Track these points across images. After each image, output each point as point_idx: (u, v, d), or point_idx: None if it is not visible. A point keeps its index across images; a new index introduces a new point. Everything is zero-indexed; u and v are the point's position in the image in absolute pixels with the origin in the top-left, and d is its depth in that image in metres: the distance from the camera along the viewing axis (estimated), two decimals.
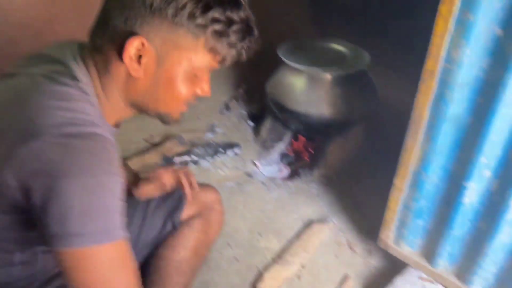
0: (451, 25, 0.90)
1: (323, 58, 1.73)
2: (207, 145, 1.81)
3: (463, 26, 0.88)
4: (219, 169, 1.75)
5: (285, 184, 1.71)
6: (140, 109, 0.75)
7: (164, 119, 0.77)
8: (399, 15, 2.05)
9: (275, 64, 1.84)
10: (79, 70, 0.69)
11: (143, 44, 0.65)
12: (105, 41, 0.68)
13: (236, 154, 1.80)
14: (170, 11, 0.63)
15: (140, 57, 0.66)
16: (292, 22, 2.42)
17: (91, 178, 0.60)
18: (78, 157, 0.60)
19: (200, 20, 0.64)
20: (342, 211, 1.59)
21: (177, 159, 1.72)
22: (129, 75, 0.68)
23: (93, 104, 0.69)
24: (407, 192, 1.19)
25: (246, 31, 0.68)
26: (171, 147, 1.77)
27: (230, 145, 1.81)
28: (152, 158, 1.69)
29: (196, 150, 1.76)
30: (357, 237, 1.49)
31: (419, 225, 1.22)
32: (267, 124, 1.93)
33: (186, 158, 1.73)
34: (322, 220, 1.54)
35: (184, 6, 0.63)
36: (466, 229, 1.11)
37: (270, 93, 1.80)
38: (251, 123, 2.04)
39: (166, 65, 0.68)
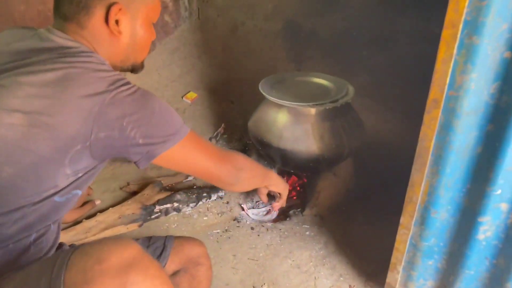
0: (455, 50, 0.84)
1: (306, 92, 1.68)
2: (189, 190, 1.69)
3: (468, 51, 0.83)
4: (203, 215, 1.63)
5: (276, 227, 1.60)
6: (119, 65, 0.94)
7: (136, 68, 0.98)
8: (379, 45, 2.03)
9: (255, 101, 1.78)
10: (80, 46, 0.84)
11: (120, 9, 0.85)
12: (80, 15, 0.85)
13: (220, 197, 1.69)
14: None
15: (117, 20, 0.86)
16: (270, 58, 2.39)
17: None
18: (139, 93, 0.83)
19: None
20: (339, 253, 1.49)
21: (158, 208, 1.59)
22: (111, 36, 0.88)
23: (108, 65, 0.86)
24: (415, 231, 1.11)
25: None
26: (151, 195, 1.64)
27: (214, 188, 1.70)
28: (131, 208, 1.56)
29: (178, 196, 1.64)
30: (359, 282, 1.39)
31: (430, 265, 1.13)
32: None
33: (167, 205, 1.60)
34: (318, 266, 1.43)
35: None
36: (483, 267, 1.03)
37: (252, 130, 1.72)
38: None
39: (138, 20, 0.90)
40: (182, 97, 2.32)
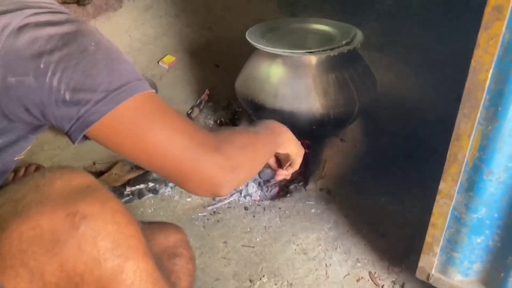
0: None
1: (305, 40, 1.41)
2: None
3: None
4: (186, 196, 1.37)
5: (275, 206, 1.34)
6: None
7: None
8: None
9: (243, 63, 1.50)
10: None
11: None
12: None
13: None
14: None
15: None
16: (259, 11, 2.11)
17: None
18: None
19: None
20: (353, 233, 1.23)
21: (129, 189, 1.32)
22: None
23: None
24: (459, 200, 0.85)
25: None
26: (120, 175, 1.37)
27: None
28: None
29: (154, 175, 1.37)
30: (381, 268, 1.13)
31: (478, 244, 0.88)
32: None
33: (141, 186, 1.34)
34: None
35: None
36: None
37: (241, 91, 1.45)
38: None
39: None
40: (158, 62, 2.05)
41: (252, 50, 1.42)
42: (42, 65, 0.55)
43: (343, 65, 1.30)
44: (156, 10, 2.17)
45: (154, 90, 0.62)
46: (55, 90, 0.56)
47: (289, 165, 0.92)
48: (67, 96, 0.56)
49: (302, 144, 0.93)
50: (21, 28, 0.56)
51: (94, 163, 1.48)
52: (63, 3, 0.73)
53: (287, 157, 0.90)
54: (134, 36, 2.06)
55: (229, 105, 1.82)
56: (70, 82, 0.56)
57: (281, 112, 1.31)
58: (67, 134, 0.59)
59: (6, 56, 0.55)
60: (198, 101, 1.83)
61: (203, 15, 2.23)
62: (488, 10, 0.65)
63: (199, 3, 2.25)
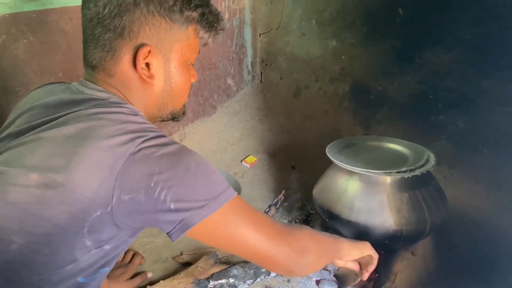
0: None
1: (379, 159, 1.52)
2: (247, 264, 1.54)
3: None
4: None
5: None
6: (157, 115, 0.86)
7: (176, 115, 0.90)
8: (459, 109, 1.87)
9: (318, 167, 1.65)
10: (111, 97, 0.76)
11: (149, 51, 0.77)
12: (106, 60, 0.77)
13: (281, 274, 1.52)
14: (164, 11, 0.76)
15: (147, 63, 0.78)
16: (335, 122, 2.28)
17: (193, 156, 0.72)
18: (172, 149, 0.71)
19: (188, 12, 0.78)
20: None
21: (212, 283, 1.44)
22: (143, 82, 0.80)
23: (143, 116, 0.78)
24: None
25: (218, 15, 0.84)
26: (205, 268, 1.50)
27: None
28: (182, 282, 1.42)
29: (234, 271, 1.48)
30: None
31: None
32: None
33: (222, 281, 1.45)
34: None
35: (174, 4, 0.76)
36: None
37: (318, 199, 1.57)
38: None
39: (172, 61, 0.81)
40: (241, 161, 2.24)
41: (327, 159, 1.53)
42: (152, 184, 0.66)
43: (416, 186, 1.40)
44: (243, 115, 2.43)
45: (238, 193, 0.76)
46: (161, 202, 0.67)
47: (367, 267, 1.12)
48: (172, 206, 0.68)
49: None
50: (135, 155, 0.67)
51: (181, 253, 1.63)
52: (162, 121, 0.91)
53: (367, 261, 1.05)
54: (222, 137, 2.30)
55: (303, 206, 1.94)
56: (175, 195, 0.67)
57: (356, 224, 1.41)
58: (168, 234, 0.72)
59: (122, 178, 0.65)
60: (275, 200, 1.97)
61: (283, 121, 2.45)
62: None
63: (280, 111, 2.48)
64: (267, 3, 2.51)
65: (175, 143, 0.72)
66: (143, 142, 0.68)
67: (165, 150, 0.69)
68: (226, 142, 2.31)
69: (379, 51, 2.16)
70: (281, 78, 2.58)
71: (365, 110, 2.22)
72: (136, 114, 0.75)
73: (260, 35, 2.62)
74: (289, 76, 2.55)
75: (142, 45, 0.76)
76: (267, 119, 2.47)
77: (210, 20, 0.82)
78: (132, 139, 0.68)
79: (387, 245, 1.44)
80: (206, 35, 0.84)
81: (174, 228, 0.70)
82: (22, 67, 1.35)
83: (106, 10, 0.74)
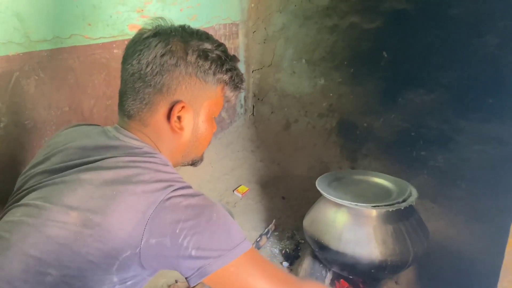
0: None
1: (366, 192, 1.60)
2: None
3: None
4: None
5: None
6: (180, 161, 0.93)
7: (196, 161, 0.97)
8: (439, 146, 1.97)
9: (307, 198, 1.72)
10: (145, 146, 0.83)
11: (183, 107, 0.83)
12: (143, 111, 0.84)
13: None
14: (200, 73, 0.84)
15: (179, 116, 0.84)
16: (324, 155, 2.36)
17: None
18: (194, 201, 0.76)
19: (219, 75, 0.86)
20: None
21: None
22: (173, 133, 0.86)
23: (171, 166, 0.84)
24: None
25: (242, 76, 0.93)
26: None
27: None
28: None
29: None
30: None
31: None
32: (304, 265, 1.72)
33: None
34: None
35: (210, 67, 0.84)
36: None
37: (308, 230, 1.63)
38: (286, 264, 1.82)
39: (201, 115, 0.88)
40: (233, 191, 2.30)
41: (316, 190, 1.58)
42: (177, 230, 0.71)
43: (399, 219, 1.47)
44: (235, 146, 2.50)
45: (253, 245, 0.82)
46: (184, 248, 0.71)
47: None
48: (193, 253, 0.72)
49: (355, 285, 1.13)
50: (165, 202, 0.72)
51: (176, 281, 1.66)
52: (183, 165, 0.98)
53: None
54: (215, 167, 2.37)
55: (293, 236, 2.00)
56: (197, 243, 0.72)
57: (344, 255, 1.47)
58: (187, 278, 0.76)
59: (152, 223, 0.70)
60: (266, 230, 2.02)
61: (274, 153, 2.53)
62: None
63: (271, 142, 2.56)
64: (260, 42, 2.63)
65: (200, 194, 0.78)
66: (172, 191, 0.73)
67: (191, 200, 0.74)
68: (219, 172, 2.37)
69: (365, 90, 2.28)
70: (272, 112, 2.68)
71: (351, 144, 2.31)
72: (166, 164, 0.81)
73: (253, 72, 2.73)
74: (280, 110, 2.64)
75: (177, 101, 0.82)
76: (259, 150, 2.54)
77: (236, 81, 0.90)
78: (164, 188, 0.73)
79: (373, 275, 1.51)
80: (231, 94, 0.91)
81: (193, 274, 0.74)
82: (32, 102, 1.41)
83: (149, 69, 0.80)
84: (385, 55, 2.16)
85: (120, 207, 0.70)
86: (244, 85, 0.95)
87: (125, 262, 0.71)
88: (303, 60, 2.48)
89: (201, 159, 0.98)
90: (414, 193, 1.55)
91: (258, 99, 2.73)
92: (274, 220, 2.07)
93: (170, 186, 0.74)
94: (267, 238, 1.98)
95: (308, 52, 2.45)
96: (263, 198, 2.28)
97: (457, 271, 1.71)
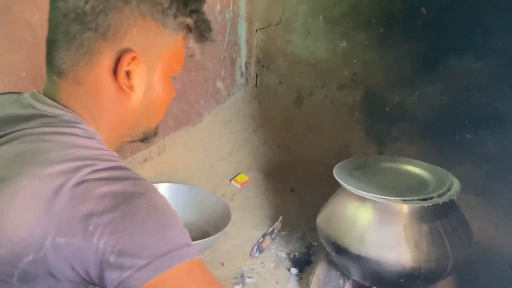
0: None
1: (396, 183, 1.60)
2: None
3: None
4: None
5: None
6: (127, 133, 0.87)
7: (149, 135, 0.90)
8: (489, 128, 1.96)
9: (323, 190, 1.73)
10: (64, 114, 0.76)
11: (133, 58, 0.75)
12: (79, 65, 0.76)
13: None
14: (157, 14, 0.77)
15: (128, 71, 0.76)
16: (344, 137, 2.36)
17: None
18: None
19: (182, 18, 0.80)
20: None
21: None
22: (120, 94, 0.79)
23: (100, 140, 0.77)
24: None
25: (209, 24, 0.87)
26: None
27: None
28: None
29: None
30: None
31: None
32: (317, 272, 1.74)
33: None
34: None
35: (170, 7, 0.78)
36: None
37: (323, 229, 1.64)
38: (294, 270, 1.85)
39: (157, 71, 0.81)
40: (230, 180, 2.31)
41: (334, 181, 1.58)
42: (91, 227, 0.63)
43: (437, 217, 1.48)
44: (234, 125, 2.51)
45: (201, 257, 0.72)
46: (100, 252, 0.63)
47: None
48: (111, 259, 0.63)
49: None
50: (76, 187, 0.64)
51: None
52: (130, 141, 0.94)
53: None
54: (209, 150, 2.37)
55: (303, 237, 2.01)
56: (116, 245, 0.63)
57: (367, 260, 1.48)
58: None
59: (59, 215, 0.63)
60: (271, 228, 2.04)
61: (281, 134, 2.53)
62: None
63: (278, 121, 2.56)
64: None
65: (133, 178, 0.70)
66: (89, 173, 0.66)
67: (114, 185, 0.66)
68: (214, 157, 2.37)
69: (397, 56, 2.26)
70: (280, 83, 2.67)
71: (379, 124, 2.31)
72: (91, 138, 0.75)
73: (256, 31, 2.71)
74: (290, 80, 2.63)
75: (127, 50, 0.75)
76: (263, 131, 2.54)
77: (201, 29, 0.85)
78: (78, 168, 0.66)
79: (402, 285, 1.52)
80: (195, 45, 0.86)
81: (115, 287, 0.66)
82: None
83: (89, 5, 0.72)
84: (424, 12, 2.14)
85: (19, 195, 0.64)
86: (213, 35, 0.88)
87: (28, 271, 0.64)
88: (321, 18, 2.46)
89: (154, 132, 0.91)
90: (456, 185, 1.55)
91: (263, 66, 2.71)
92: (280, 217, 2.08)
93: (87, 166, 0.66)
94: (272, 239, 2.00)
95: (327, 7, 2.43)
96: (267, 190, 2.28)
97: (508, 284, 1.72)
